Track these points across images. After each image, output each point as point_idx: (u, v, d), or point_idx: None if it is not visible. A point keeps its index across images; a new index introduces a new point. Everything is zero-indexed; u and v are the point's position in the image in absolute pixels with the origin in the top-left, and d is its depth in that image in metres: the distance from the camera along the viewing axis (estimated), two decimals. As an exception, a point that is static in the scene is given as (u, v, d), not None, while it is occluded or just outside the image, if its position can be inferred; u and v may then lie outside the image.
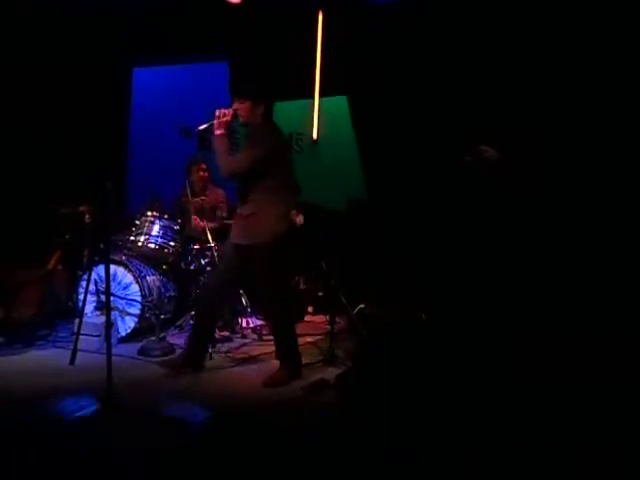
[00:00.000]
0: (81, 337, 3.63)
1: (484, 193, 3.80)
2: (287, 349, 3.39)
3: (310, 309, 5.07)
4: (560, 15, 4.39)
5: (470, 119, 4.50)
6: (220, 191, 4.72)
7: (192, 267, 4.37)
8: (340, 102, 5.37)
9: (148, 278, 4.16)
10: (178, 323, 4.28)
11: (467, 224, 4.11)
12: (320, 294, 4.99)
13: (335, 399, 3.02)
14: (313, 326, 4.71)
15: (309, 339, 4.28)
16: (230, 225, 4.47)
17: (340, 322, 4.29)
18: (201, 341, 3.49)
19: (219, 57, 5.40)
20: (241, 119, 3.38)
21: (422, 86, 4.89)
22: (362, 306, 3.84)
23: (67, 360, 3.52)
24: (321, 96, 5.41)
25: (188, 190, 4.37)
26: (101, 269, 4.01)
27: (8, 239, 4.46)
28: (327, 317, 4.46)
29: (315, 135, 5.44)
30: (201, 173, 4.65)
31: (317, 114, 5.43)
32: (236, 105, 3.35)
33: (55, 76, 5.02)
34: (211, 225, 4.37)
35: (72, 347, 3.56)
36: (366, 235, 4.84)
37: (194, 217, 4.40)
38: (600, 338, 3.36)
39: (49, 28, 4.98)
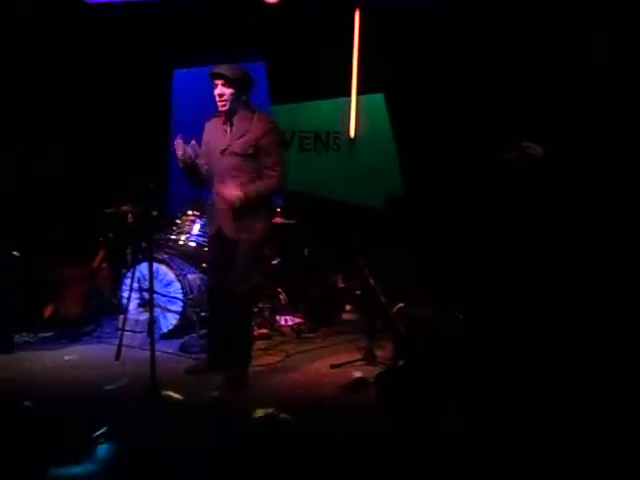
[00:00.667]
0: (125, 333, 3.73)
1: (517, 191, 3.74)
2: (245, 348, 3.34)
3: (348, 308, 5.06)
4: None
5: (509, 116, 4.43)
6: None
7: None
8: (377, 100, 5.33)
9: (189, 276, 4.23)
10: (218, 320, 4.34)
11: (505, 222, 4.04)
12: (358, 293, 4.97)
13: (375, 398, 3.01)
14: (352, 325, 4.70)
15: (348, 338, 4.28)
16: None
17: (379, 321, 4.27)
18: (221, 342, 3.40)
19: (256, 57, 5.44)
20: (222, 106, 3.16)
21: (459, 82, 4.83)
22: (401, 305, 3.80)
23: (112, 355, 3.61)
24: (358, 94, 5.39)
25: None
26: (144, 267, 4.10)
27: (56, 238, 4.62)
28: (366, 316, 4.44)
29: (352, 133, 5.42)
30: None
31: (355, 112, 5.42)
32: (220, 90, 3.16)
33: (100, 78, 5.17)
34: None
35: (117, 343, 3.66)
36: (405, 233, 4.81)
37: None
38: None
39: (92, 31, 5.13)
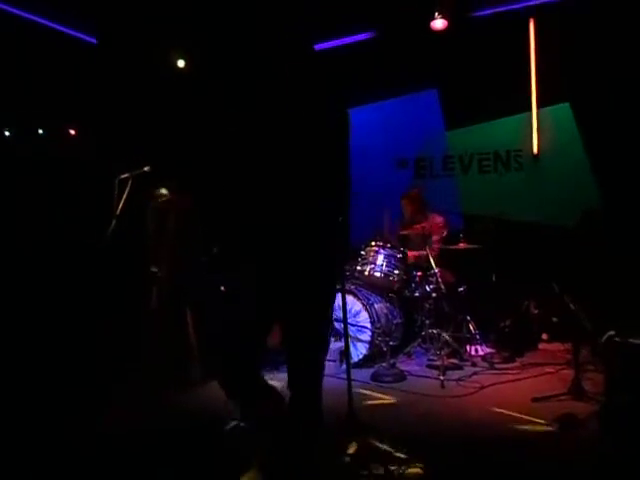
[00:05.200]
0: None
1: None
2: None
3: (545, 336, 4.68)
4: None
5: None
6: (438, 218, 4.67)
7: (417, 294, 4.40)
8: (563, 110, 4.97)
9: (376, 305, 4.31)
10: (406, 350, 4.33)
11: None
12: (555, 319, 4.58)
13: (591, 437, 2.71)
14: (551, 355, 4.33)
15: (549, 369, 3.96)
16: (447, 251, 4.45)
17: (584, 351, 3.87)
18: None
19: (429, 84, 5.47)
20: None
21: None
22: (611, 332, 3.39)
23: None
24: (540, 107, 5.09)
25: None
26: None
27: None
28: (566, 345, 4.07)
29: (535, 149, 5.11)
30: (406, 206, 4.76)
31: (536, 126, 5.11)
32: None
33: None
34: (415, 253, 4.48)
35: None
36: (605, 251, 4.33)
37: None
38: None
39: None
